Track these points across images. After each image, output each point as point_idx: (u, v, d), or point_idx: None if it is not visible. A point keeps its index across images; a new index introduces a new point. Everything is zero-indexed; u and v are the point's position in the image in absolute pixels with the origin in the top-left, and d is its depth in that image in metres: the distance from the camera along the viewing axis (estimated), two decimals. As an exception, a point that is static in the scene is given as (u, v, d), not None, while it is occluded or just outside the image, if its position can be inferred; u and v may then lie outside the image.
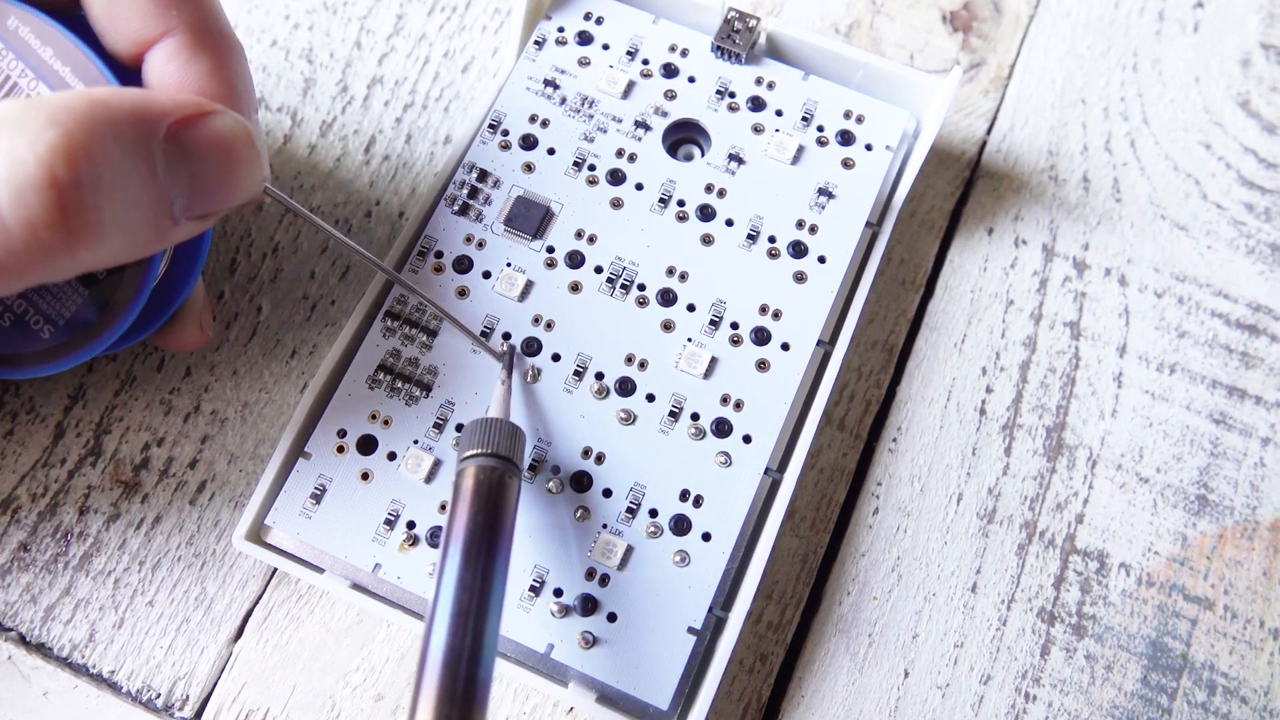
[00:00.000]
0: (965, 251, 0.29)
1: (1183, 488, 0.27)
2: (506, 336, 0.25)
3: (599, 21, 0.28)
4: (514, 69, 0.27)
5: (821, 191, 0.26)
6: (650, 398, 0.24)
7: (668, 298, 0.25)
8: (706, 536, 0.23)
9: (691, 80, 0.27)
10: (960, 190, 0.30)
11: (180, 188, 0.19)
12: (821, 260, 0.26)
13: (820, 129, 0.27)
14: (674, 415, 0.24)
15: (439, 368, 0.25)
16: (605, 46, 0.28)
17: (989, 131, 0.30)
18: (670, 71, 0.28)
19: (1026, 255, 0.29)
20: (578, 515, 0.23)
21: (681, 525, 0.23)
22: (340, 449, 0.24)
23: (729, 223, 0.26)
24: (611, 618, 0.23)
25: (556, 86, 0.27)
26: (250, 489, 0.26)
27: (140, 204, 0.18)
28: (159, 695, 0.24)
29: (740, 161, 0.27)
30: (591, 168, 0.26)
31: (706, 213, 0.26)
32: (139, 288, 0.21)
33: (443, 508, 0.23)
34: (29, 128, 0.16)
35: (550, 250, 0.26)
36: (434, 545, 0.23)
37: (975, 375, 0.28)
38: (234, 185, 0.20)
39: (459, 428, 0.24)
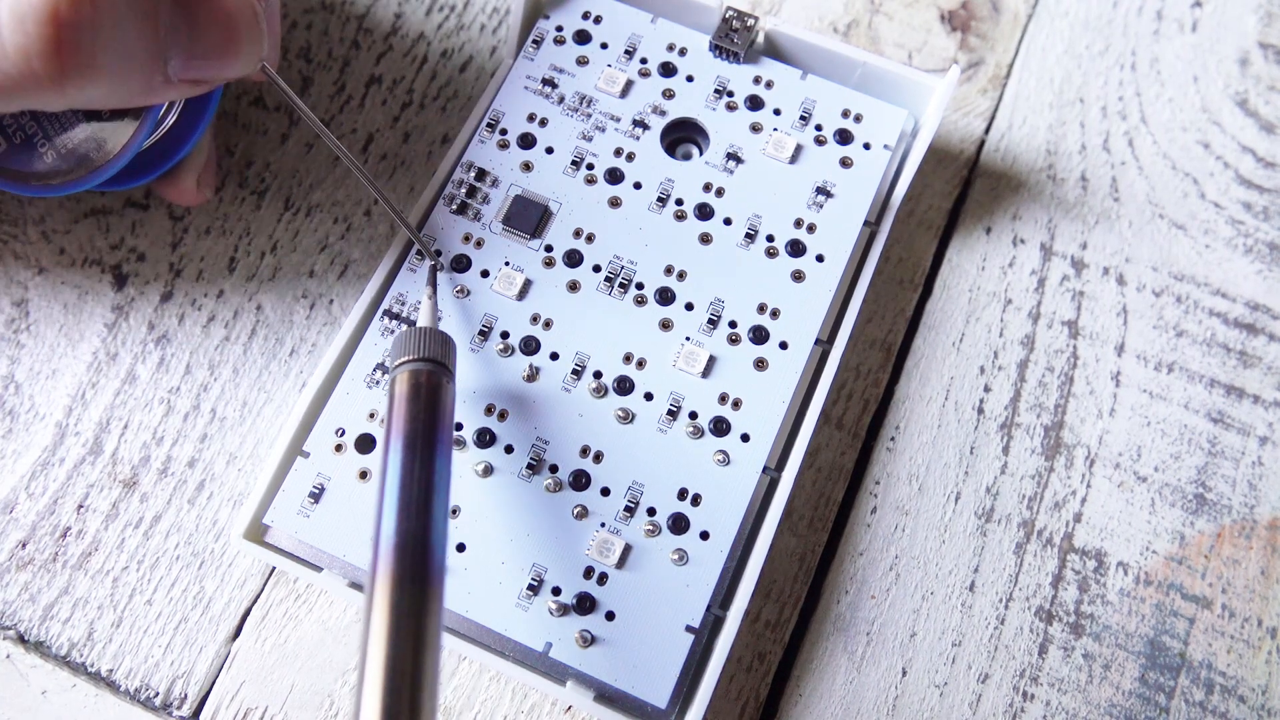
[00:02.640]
0: (963, 250, 0.29)
1: (1181, 487, 0.27)
2: (505, 335, 0.25)
3: (597, 21, 0.28)
4: (512, 68, 0.27)
5: (820, 190, 0.26)
6: (648, 396, 0.24)
7: (666, 296, 0.25)
8: (704, 535, 0.23)
9: (690, 79, 0.27)
10: (958, 189, 0.30)
11: (177, 48, 0.19)
12: (820, 259, 0.26)
13: (818, 128, 0.27)
14: (672, 414, 0.24)
15: (437, 366, 0.25)
16: (603, 45, 0.28)
17: (987, 130, 0.30)
18: (668, 70, 0.28)
19: (1025, 254, 0.29)
20: (576, 514, 0.23)
21: (679, 524, 0.23)
22: (338, 448, 0.24)
23: (727, 221, 0.26)
24: (609, 616, 0.23)
25: (555, 85, 0.27)
26: (249, 488, 0.26)
27: (135, 55, 0.19)
28: (157, 694, 0.24)
29: (738, 160, 0.27)
30: (590, 167, 0.27)
31: (705, 211, 0.26)
32: (136, 133, 0.22)
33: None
34: None
35: (549, 249, 0.26)
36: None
37: (973, 374, 0.28)
38: (230, 58, 0.20)
39: (456, 426, 0.24)
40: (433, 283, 0.25)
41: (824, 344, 0.25)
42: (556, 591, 0.23)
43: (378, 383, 0.25)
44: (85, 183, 0.23)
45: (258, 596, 0.25)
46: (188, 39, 0.19)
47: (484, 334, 0.25)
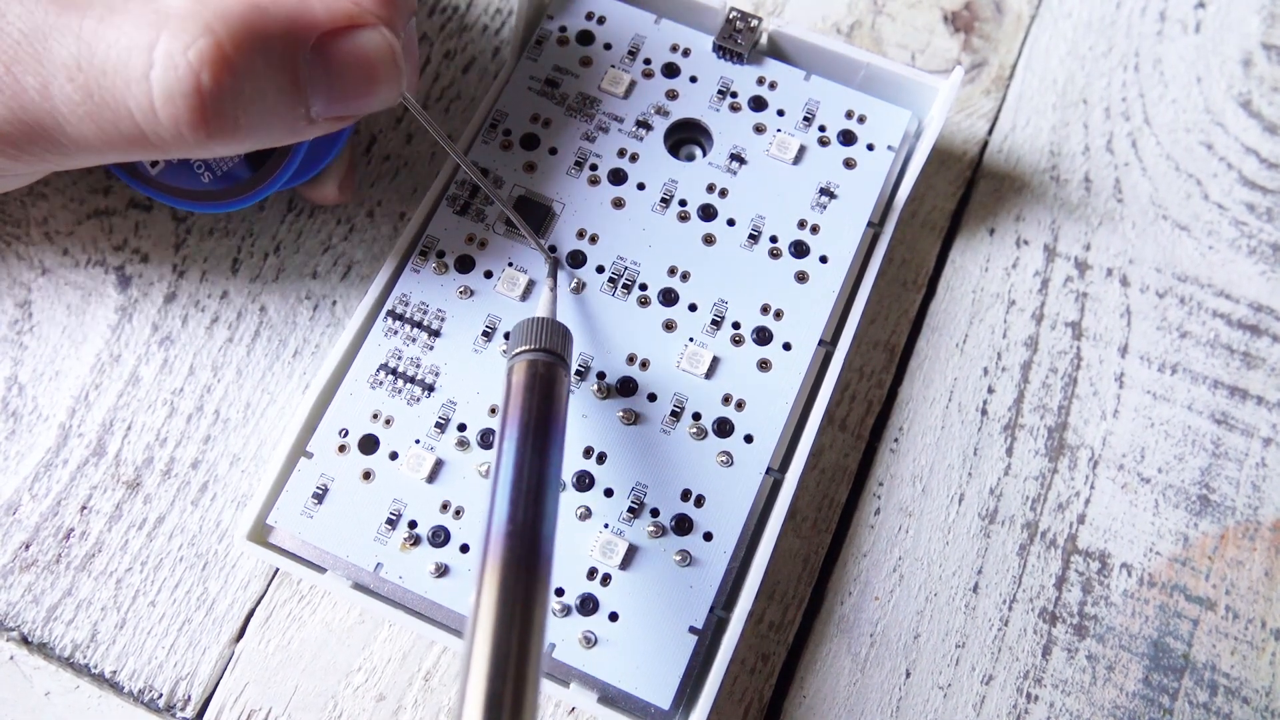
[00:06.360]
0: (967, 252, 0.29)
1: (1184, 488, 0.27)
2: (509, 336, 0.25)
3: (600, 21, 0.28)
4: (515, 68, 0.27)
5: (823, 191, 0.26)
6: (652, 397, 0.24)
7: (669, 297, 0.25)
8: (708, 536, 0.23)
9: (693, 80, 0.27)
10: (962, 190, 0.30)
11: (319, 94, 0.20)
12: (823, 260, 0.26)
13: (822, 129, 0.27)
14: (675, 415, 0.24)
15: (441, 368, 0.25)
16: (607, 46, 0.28)
17: (990, 132, 0.30)
18: (672, 71, 0.28)
19: (1028, 255, 0.29)
20: (579, 515, 0.23)
21: (683, 525, 0.23)
22: (342, 448, 0.24)
23: (730, 222, 0.26)
24: (613, 617, 0.23)
25: (558, 86, 0.27)
26: (252, 489, 0.26)
27: (277, 110, 0.20)
28: (161, 695, 0.24)
29: (742, 161, 0.27)
30: (593, 167, 0.26)
31: (708, 212, 0.26)
32: (286, 162, 0.24)
33: (444, 507, 0.24)
34: (187, 31, 0.18)
35: (552, 250, 0.26)
36: (435, 545, 0.23)
37: (977, 375, 0.28)
38: (370, 97, 0.21)
39: (461, 427, 0.24)
40: (554, 275, 0.25)
41: (827, 345, 0.25)
42: (560, 592, 0.23)
43: (381, 384, 0.25)
44: (238, 203, 0.25)
45: (261, 598, 0.25)
46: (327, 84, 0.20)
47: (488, 334, 0.25)
